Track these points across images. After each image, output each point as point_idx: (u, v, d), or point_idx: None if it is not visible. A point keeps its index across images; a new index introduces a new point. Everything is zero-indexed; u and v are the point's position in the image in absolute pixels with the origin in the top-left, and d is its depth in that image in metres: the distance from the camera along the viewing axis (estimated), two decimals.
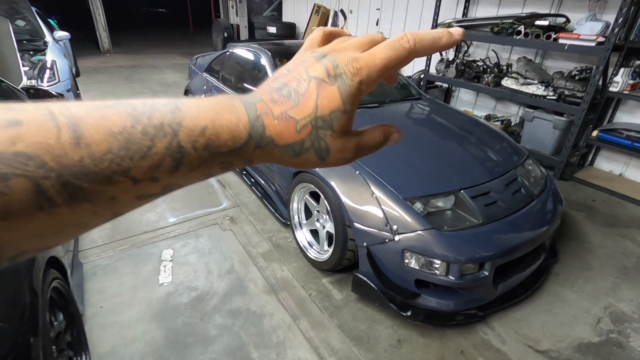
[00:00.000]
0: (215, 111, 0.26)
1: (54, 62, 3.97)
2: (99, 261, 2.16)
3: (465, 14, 4.56)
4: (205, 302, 1.91)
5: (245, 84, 3.13)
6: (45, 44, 4.31)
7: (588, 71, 3.30)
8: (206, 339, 1.71)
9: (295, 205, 2.30)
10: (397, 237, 1.71)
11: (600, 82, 3.12)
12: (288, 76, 0.29)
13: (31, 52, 4.11)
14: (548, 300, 2.01)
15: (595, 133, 3.30)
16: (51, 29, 5.11)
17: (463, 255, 1.67)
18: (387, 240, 1.74)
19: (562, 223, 2.42)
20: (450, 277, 1.68)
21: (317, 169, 2.00)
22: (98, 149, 0.21)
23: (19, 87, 2.34)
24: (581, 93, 3.23)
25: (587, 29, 3.10)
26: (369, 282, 1.83)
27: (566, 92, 3.34)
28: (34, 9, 4.61)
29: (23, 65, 3.01)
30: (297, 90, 0.27)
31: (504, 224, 1.83)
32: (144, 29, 15.76)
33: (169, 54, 9.89)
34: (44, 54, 4.09)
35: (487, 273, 1.71)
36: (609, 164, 3.62)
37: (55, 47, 4.43)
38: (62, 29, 5.76)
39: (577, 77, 3.34)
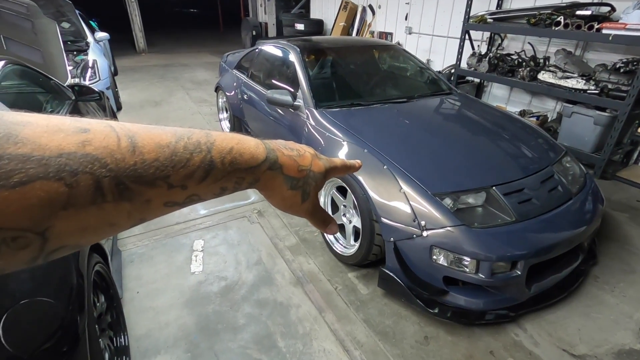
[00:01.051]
0: (239, 138, 0.33)
1: (95, 62, 4.20)
2: (135, 249, 2.28)
3: (500, 5, 4.39)
4: (235, 291, 1.97)
5: (273, 80, 3.18)
6: (87, 44, 4.56)
7: (635, 63, 3.09)
8: (235, 327, 1.76)
9: (322, 199, 2.32)
10: (425, 233, 1.69)
11: None
12: (291, 145, 0.40)
13: (75, 52, 4.36)
14: (586, 303, 1.92)
15: None
16: (92, 31, 5.39)
17: (494, 252, 1.62)
18: (414, 235, 1.72)
19: (603, 224, 2.29)
20: (481, 275, 1.63)
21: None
22: (149, 157, 0.25)
23: (65, 84, 2.50)
24: (626, 87, 3.03)
25: (635, 18, 2.90)
26: (395, 277, 1.82)
27: (609, 86, 3.15)
28: (77, 11, 4.88)
29: (68, 64, 3.20)
30: (300, 151, 0.40)
31: (538, 222, 1.76)
32: (176, 29, 16.30)
33: (199, 53, 10.17)
34: (86, 54, 4.33)
35: (519, 272, 1.65)
36: None
37: (96, 47, 4.68)
38: (101, 30, 6.07)
39: (622, 70, 3.13)
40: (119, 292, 1.78)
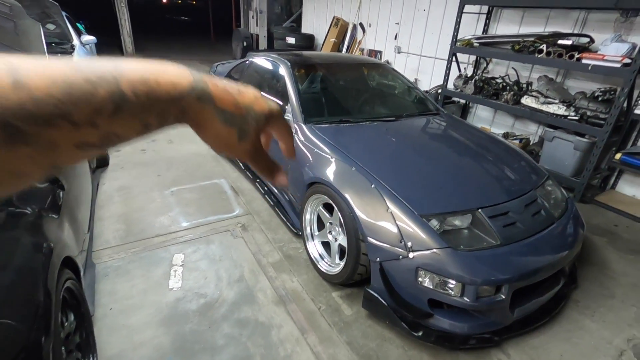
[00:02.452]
0: (158, 67, 0.29)
1: None
2: (111, 262, 2.18)
3: (485, 30, 4.54)
4: (214, 309, 1.90)
5: (263, 93, 3.15)
6: (73, 47, 4.46)
7: (612, 92, 3.22)
8: (213, 348, 1.69)
9: (308, 216, 2.28)
10: (411, 254, 1.67)
11: (625, 104, 3.04)
12: (244, 87, 0.37)
13: (59, 55, 4.25)
14: (567, 328, 1.93)
15: (618, 156, 3.20)
16: (79, 33, 5.29)
17: (479, 276, 1.61)
18: (400, 256, 1.70)
19: (582, 248, 2.34)
20: (465, 298, 1.62)
21: (329, 179, 1.99)
22: (39, 93, 0.22)
23: None
24: (604, 114, 3.15)
25: (612, 50, 3.04)
26: (380, 298, 1.78)
27: (588, 113, 3.27)
28: (64, 13, 4.78)
29: None
30: (241, 89, 0.36)
31: (522, 246, 1.77)
32: (167, 36, 16.21)
33: (189, 61, 10.11)
34: (71, 57, 4.22)
35: (503, 296, 1.65)
36: (632, 188, 3.50)
37: (82, 50, 4.58)
38: (89, 33, 5.96)
39: (600, 98, 3.26)
40: (91, 309, 1.68)
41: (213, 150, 0.36)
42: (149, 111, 0.28)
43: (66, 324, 1.32)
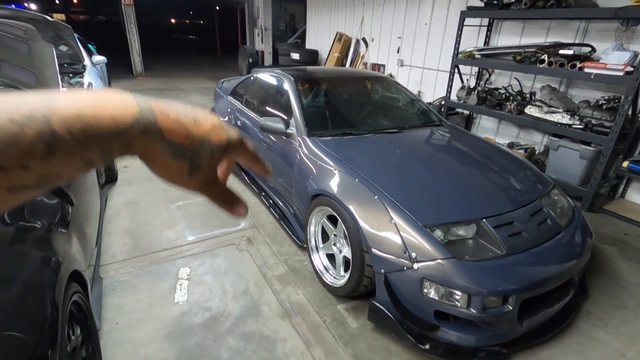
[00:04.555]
0: (97, 100, 0.27)
1: (90, 84, 4.22)
2: (118, 276, 2.20)
3: (487, 42, 4.59)
4: (219, 323, 1.90)
5: (267, 107, 3.22)
6: (84, 67, 4.61)
7: (616, 100, 3.22)
8: None
9: (312, 228, 2.29)
10: (416, 265, 1.67)
11: (629, 112, 3.03)
12: (190, 108, 0.33)
13: (70, 75, 4.39)
14: (579, 340, 1.88)
15: (625, 164, 3.17)
16: (90, 54, 5.46)
17: (485, 287, 1.60)
18: (405, 268, 1.69)
19: (592, 257, 2.30)
20: (472, 310, 1.60)
21: (333, 191, 2.01)
22: None
23: None
24: (609, 122, 3.14)
25: (614, 59, 3.05)
26: (385, 311, 1.77)
27: (593, 122, 3.25)
28: (76, 35, 4.96)
29: (62, 87, 3.21)
30: (197, 118, 0.33)
31: (529, 255, 1.75)
32: (174, 54, 16.63)
33: (196, 78, 10.34)
34: (82, 77, 4.36)
35: (511, 307, 1.62)
36: None
37: (93, 70, 4.72)
38: (100, 53, 6.15)
39: (604, 107, 3.26)
40: (97, 323, 1.70)
41: (164, 183, 0.34)
42: (89, 148, 0.26)
43: (73, 337, 1.33)
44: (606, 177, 3.38)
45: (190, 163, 0.32)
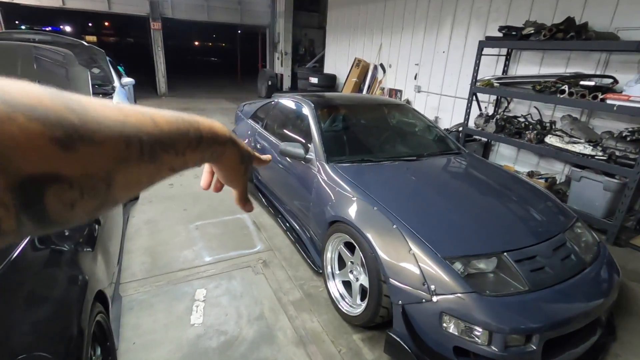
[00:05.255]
0: (212, 120, 0.41)
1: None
2: (136, 295, 2.23)
3: (505, 71, 4.62)
4: (234, 348, 1.89)
5: (287, 131, 3.29)
6: (113, 88, 4.84)
7: None
8: None
9: (329, 255, 2.29)
10: (435, 298, 1.64)
11: None
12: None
13: (100, 95, 4.61)
14: None
15: None
16: (119, 75, 5.75)
17: (507, 324, 1.55)
18: (424, 300, 1.66)
19: (619, 295, 2.20)
20: (493, 347, 1.55)
21: (351, 218, 2.01)
22: (164, 130, 0.32)
23: None
24: (634, 154, 3.07)
25: (637, 91, 3.02)
26: (403, 344, 1.73)
27: (617, 153, 3.19)
28: (108, 58, 5.24)
29: None
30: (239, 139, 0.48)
31: (553, 292, 1.70)
32: (197, 75, 17.28)
33: (217, 99, 10.67)
34: (111, 97, 4.57)
35: (534, 347, 1.56)
36: None
37: (121, 91, 4.95)
38: (127, 74, 6.46)
39: (628, 138, 3.20)
40: (115, 343, 1.71)
41: (223, 182, 0.53)
42: (208, 150, 0.39)
43: (94, 358, 1.35)
44: (632, 210, 3.28)
45: (246, 166, 0.50)
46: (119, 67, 6.81)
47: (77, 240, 1.48)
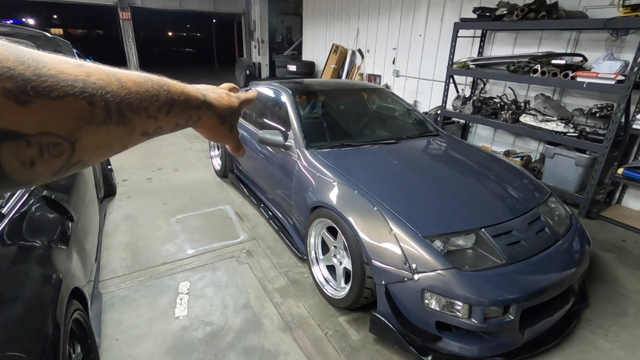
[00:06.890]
0: (184, 84, 0.40)
1: None
2: (117, 292, 2.18)
3: (480, 53, 4.67)
4: (220, 338, 1.88)
5: (265, 120, 3.25)
6: None
7: (609, 108, 3.27)
8: None
9: (312, 240, 2.29)
10: (416, 276, 1.67)
11: (622, 119, 3.08)
12: (217, 90, 0.49)
13: None
14: (581, 348, 1.88)
15: (620, 170, 3.21)
16: None
17: (486, 297, 1.60)
18: (406, 279, 1.70)
19: (591, 265, 2.31)
20: (473, 320, 1.60)
21: (332, 203, 2.02)
22: (132, 91, 0.31)
23: None
24: (603, 130, 3.19)
25: (605, 68, 3.11)
26: (387, 322, 1.77)
27: (587, 129, 3.30)
28: (75, 50, 5.00)
29: None
30: (222, 94, 0.49)
31: (528, 264, 1.76)
32: (172, 66, 16.76)
33: None
34: None
35: (512, 317, 1.63)
36: (638, 202, 3.48)
37: None
38: None
39: (597, 114, 3.31)
40: (97, 340, 1.68)
41: (211, 140, 0.53)
42: (183, 114, 0.39)
43: (73, 356, 1.32)
44: (602, 184, 3.42)
45: (229, 125, 0.49)
46: (88, 60, 6.53)
47: (49, 237, 1.43)
